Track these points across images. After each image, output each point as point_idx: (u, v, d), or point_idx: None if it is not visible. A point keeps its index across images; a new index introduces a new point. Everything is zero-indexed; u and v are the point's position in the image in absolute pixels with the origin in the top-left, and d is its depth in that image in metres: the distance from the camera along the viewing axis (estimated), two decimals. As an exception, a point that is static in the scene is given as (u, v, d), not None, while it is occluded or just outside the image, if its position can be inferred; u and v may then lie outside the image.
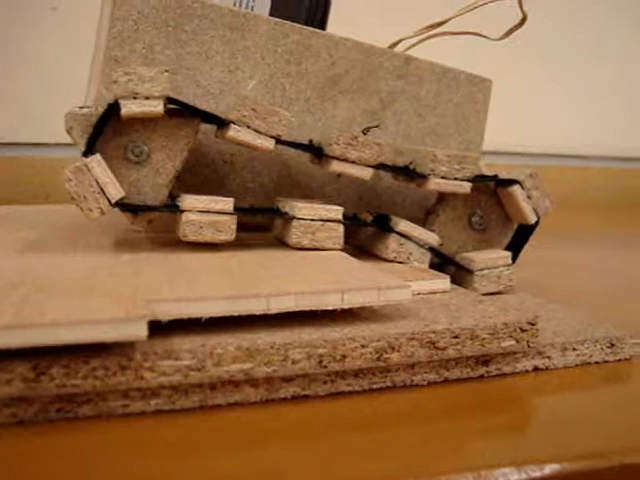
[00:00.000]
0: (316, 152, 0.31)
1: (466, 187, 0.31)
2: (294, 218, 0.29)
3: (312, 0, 0.38)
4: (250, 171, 0.34)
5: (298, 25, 0.34)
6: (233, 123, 0.28)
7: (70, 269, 0.24)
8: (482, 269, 0.30)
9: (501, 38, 0.39)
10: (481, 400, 0.22)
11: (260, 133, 0.28)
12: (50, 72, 0.65)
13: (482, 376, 0.24)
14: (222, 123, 0.29)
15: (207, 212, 0.27)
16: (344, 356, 0.21)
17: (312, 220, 0.29)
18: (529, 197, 0.31)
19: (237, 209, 0.28)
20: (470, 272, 0.30)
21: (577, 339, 0.25)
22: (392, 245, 0.31)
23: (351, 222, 0.31)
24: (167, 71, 0.26)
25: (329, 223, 0.29)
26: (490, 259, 0.30)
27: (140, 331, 0.18)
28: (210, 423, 0.20)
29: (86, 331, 0.18)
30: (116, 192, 0.26)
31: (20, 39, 0.67)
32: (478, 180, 0.31)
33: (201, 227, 0.27)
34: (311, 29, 0.34)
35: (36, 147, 0.64)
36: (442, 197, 0.33)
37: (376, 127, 0.34)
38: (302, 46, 0.34)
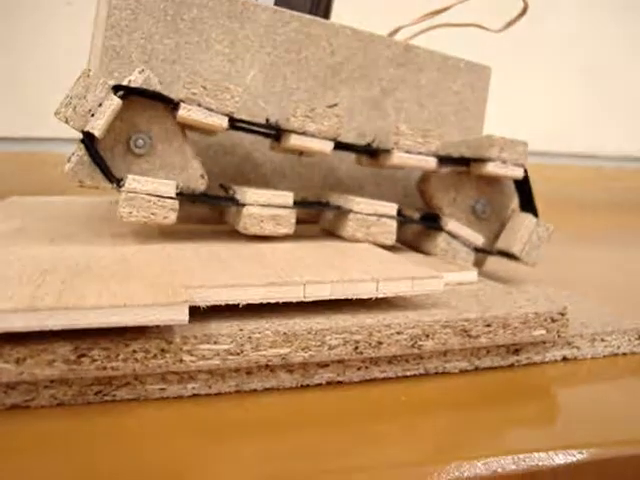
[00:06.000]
0: (273, 130, 0.30)
1: (431, 162, 0.30)
2: (351, 212, 0.29)
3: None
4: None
5: (297, 13, 0.33)
6: (183, 102, 0.27)
7: (102, 256, 0.24)
8: (523, 249, 0.30)
9: (501, 30, 0.38)
10: (511, 388, 0.22)
11: (212, 111, 0.27)
12: (65, 67, 0.65)
13: (512, 365, 0.24)
14: (173, 104, 0.27)
15: (268, 206, 0.28)
16: (380, 342, 0.21)
17: (368, 215, 0.29)
18: (504, 162, 0.30)
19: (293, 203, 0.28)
20: (516, 257, 0.31)
21: (605, 330, 0.25)
22: (441, 244, 0.31)
23: (403, 219, 0.31)
24: (90, 70, 0.25)
25: (383, 219, 0.29)
26: (522, 236, 0.30)
27: (182, 315, 0.18)
28: (245, 407, 0.20)
29: (128, 314, 0.18)
30: (168, 187, 0.26)
31: (35, 34, 0.67)
32: (443, 159, 0.31)
33: (262, 221, 0.27)
34: (310, 17, 0.34)
35: (53, 142, 0.64)
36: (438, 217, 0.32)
37: (335, 105, 0.34)
38: (302, 34, 0.33)
